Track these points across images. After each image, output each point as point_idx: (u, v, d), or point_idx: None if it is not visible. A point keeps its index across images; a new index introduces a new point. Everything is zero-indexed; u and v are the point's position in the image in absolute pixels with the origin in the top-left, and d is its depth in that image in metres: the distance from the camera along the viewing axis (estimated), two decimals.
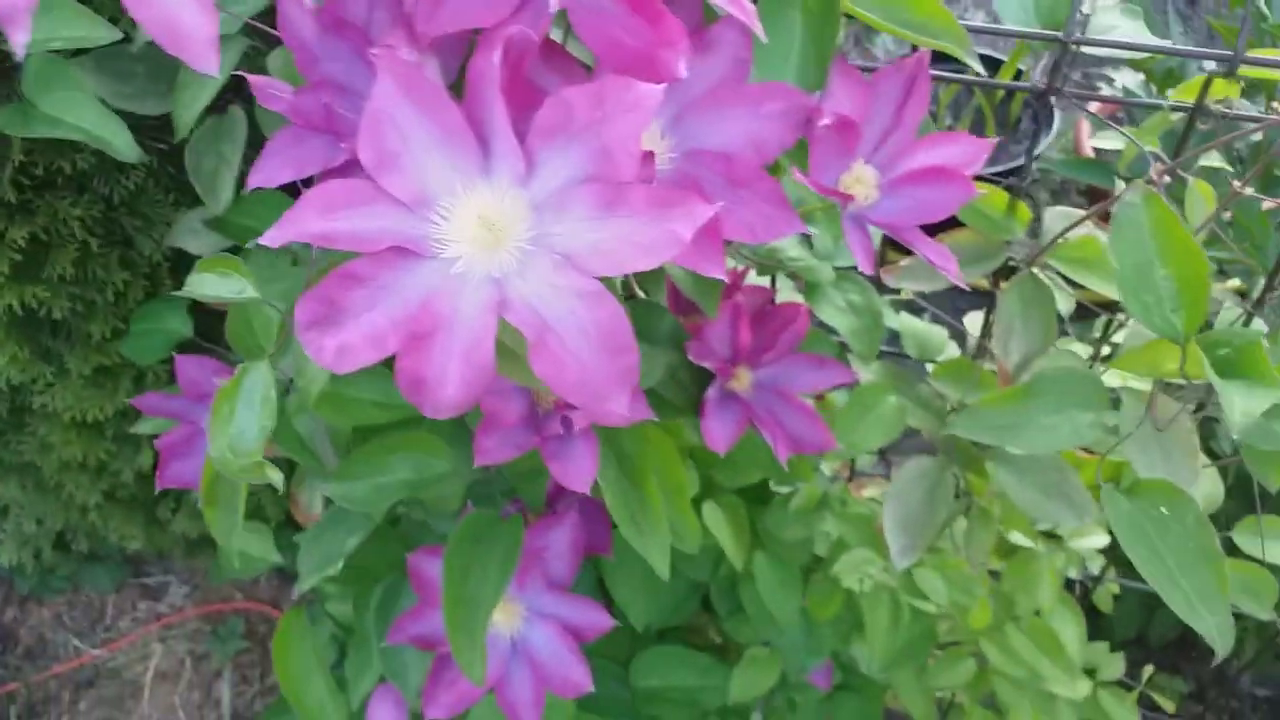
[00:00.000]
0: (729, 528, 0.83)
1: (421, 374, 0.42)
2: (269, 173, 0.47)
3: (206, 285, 0.49)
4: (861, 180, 0.50)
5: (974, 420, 0.54)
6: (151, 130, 0.84)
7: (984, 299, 0.73)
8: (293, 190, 0.83)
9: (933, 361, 0.75)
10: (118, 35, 0.58)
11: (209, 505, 0.61)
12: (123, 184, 0.84)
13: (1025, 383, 0.52)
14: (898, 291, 0.74)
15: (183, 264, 0.91)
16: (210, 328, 0.94)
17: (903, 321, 0.78)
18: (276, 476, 0.46)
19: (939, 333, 0.77)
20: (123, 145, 0.59)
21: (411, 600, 0.73)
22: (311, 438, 0.72)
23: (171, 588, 1.61)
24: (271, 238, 0.42)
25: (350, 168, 0.47)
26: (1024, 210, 0.62)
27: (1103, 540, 0.80)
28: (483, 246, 0.43)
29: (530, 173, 0.43)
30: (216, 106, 0.74)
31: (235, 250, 0.84)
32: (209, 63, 0.39)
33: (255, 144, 0.78)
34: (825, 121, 0.46)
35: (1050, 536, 0.86)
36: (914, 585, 0.85)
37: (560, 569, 0.71)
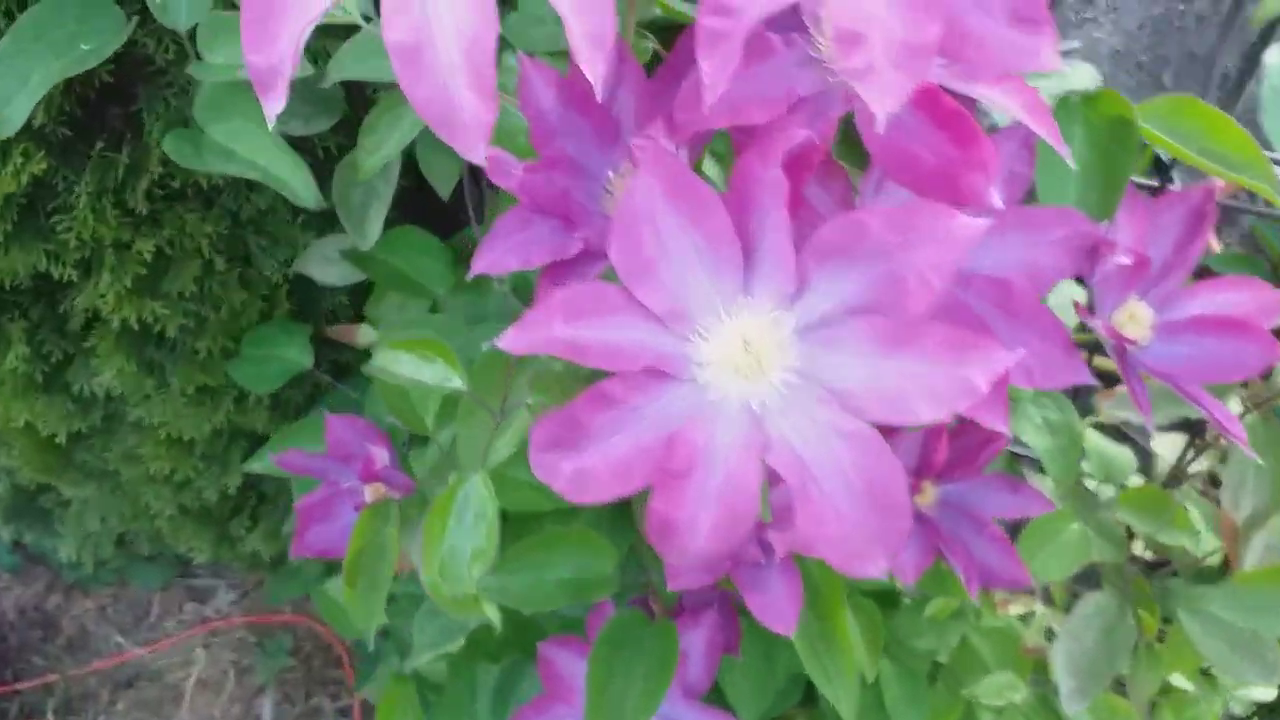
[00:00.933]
0: (863, 634, 0.77)
1: (673, 517, 0.37)
2: (494, 258, 0.42)
3: (403, 366, 0.44)
4: (1136, 319, 0.45)
5: (1232, 599, 0.49)
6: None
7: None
8: (441, 230, 0.79)
9: (1120, 486, 0.70)
10: (309, 70, 0.53)
11: (350, 584, 0.56)
12: (251, 201, 0.80)
13: None
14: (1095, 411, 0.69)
15: (301, 287, 0.87)
16: (327, 357, 0.90)
17: (1087, 439, 0.72)
18: (495, 614, 0.41)
19: (1126, 455, 0.71)
20: (300, 187, 0.55)
21: (533, 688, 0.68)
22: None
23: (220, 592, 1.56)
24: (512, 341, 0.37)
25: (583, 260, 0.43)
26: None
27: (1271, 695, 0.74)
28: (742, 374, 0.38)
29: (800, 294, 0.38)
30: None
31: (368, 285, 0.80)
32: (478, 153, 0.34)
33: (406, 172, 0.73)
34: (1122, 260, 0.41)
35: (1203, 673, 0.80)
36: (1052, 713, 0.79)
37: (696, 673, 0.66)
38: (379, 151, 0.55)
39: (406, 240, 0.73)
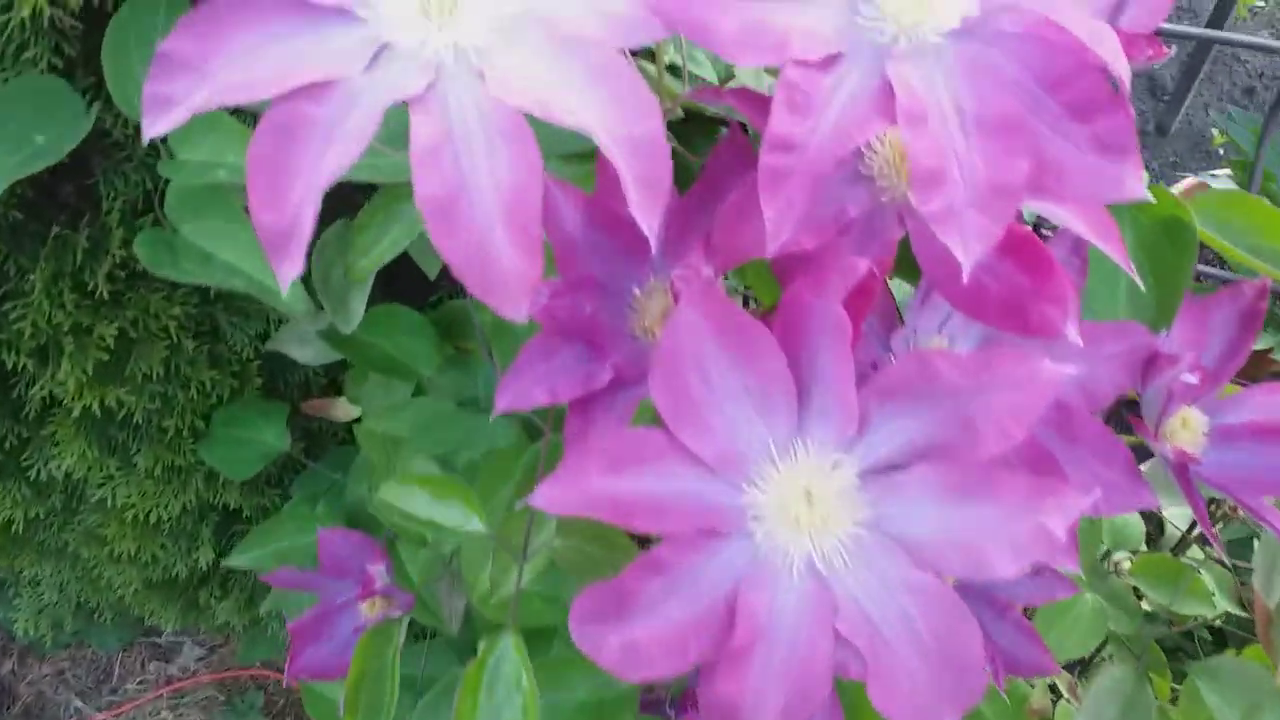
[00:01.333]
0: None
1: (734, 698, 0.34)
2: (519, 392, 0.39)
3: (417, 505, 0.40)
4: (1189, 425, 0.43)
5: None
6: None
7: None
8: (415, 293, 0.75)
9: (1132, 553, 0.68)
10: None
11: (351, 711, 0.52)
12: None
13: None
14: None
15: (273, 359, 0.83)
16: (300, 426, 0.86)
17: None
18: None
19: (1137, 522, 0.70)
20: (291, 295, 0.51)
21: None
22: (436, 599, 0.64)
23: (185, 649, 1.50)
24: (547, 501, 0.34)
25: (613, 389, 0.39)
26: None
27: None
28: (804, 527, 0.35)
29: (860, 436, 0.35)
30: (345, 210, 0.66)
31: (344, 362, 0.76)
32: (519, 312, 0.31)
33: None
34: (1188, 379, 0.39)
35: None
36: None
37: None
38: (372, 252, 0.51)
39: (389, 319, 0.69)
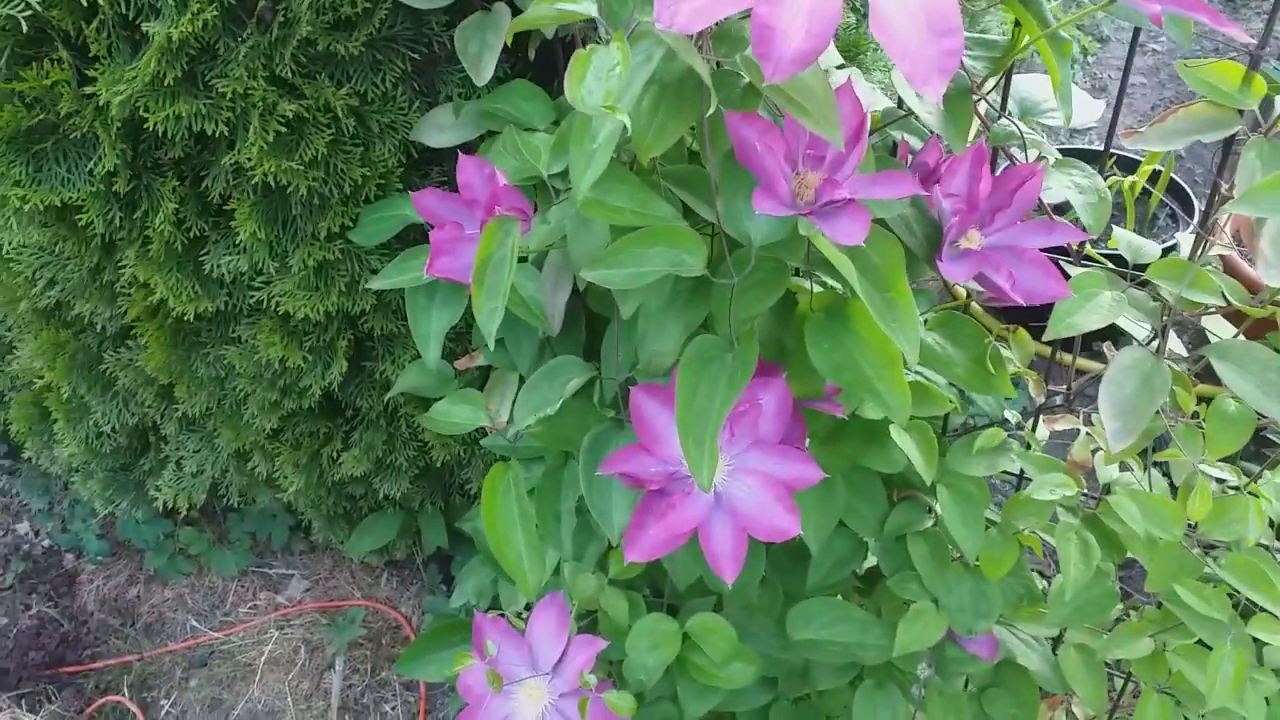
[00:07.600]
0: (919, 447, 0.83)
1: (772, 23, 0.46)
2: None
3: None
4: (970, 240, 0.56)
5: (1250, 201, 0.57)
6: (407, 42, 0.93)
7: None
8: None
9: (1142, 267, 0.77)
10: None
11: (477, 286, 0.65)
12: (377, 85, 0.93)
13: None
14: None
15: (415, 165, 0.99)
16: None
17: (1116, 231, 0.81)
18: (624, 117, 0.50)
19: (1151, 244, 0.79)
20: None
21: (616, 447, 0.75)
22: (536, 301, 0.77)
23: (293, 582, 1.62)
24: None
25: None
26: (1259, 83, 0.65)
27: None
28: None
29: None
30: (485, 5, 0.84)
31: (474, 145, 0.91)
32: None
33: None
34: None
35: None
36: (1101, 526, 0.84)
37: (768, 428, 0.73)
38: None
39: (516, 91, 0.85)
